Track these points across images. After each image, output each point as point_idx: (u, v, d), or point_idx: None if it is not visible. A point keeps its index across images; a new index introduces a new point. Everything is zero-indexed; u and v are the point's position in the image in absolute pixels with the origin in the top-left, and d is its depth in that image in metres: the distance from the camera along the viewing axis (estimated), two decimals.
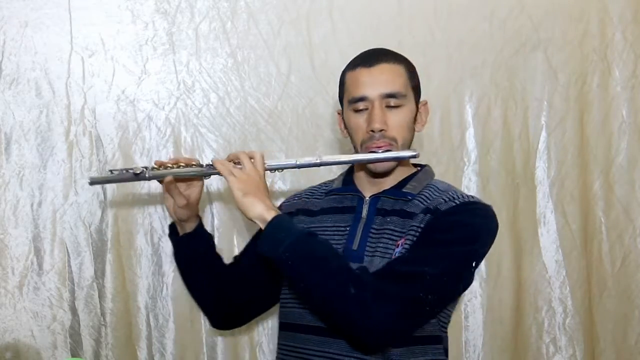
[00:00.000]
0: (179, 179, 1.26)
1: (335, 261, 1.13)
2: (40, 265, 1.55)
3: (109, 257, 1.57)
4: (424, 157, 1.58)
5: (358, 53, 1.32)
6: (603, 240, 1.70)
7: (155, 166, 1.27)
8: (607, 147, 1.71)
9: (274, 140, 1.65)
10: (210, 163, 1.25)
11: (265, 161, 1.23)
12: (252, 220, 1.16)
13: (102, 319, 1.56)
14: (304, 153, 1.64)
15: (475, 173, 1.69)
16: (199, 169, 1.26)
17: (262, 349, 1.63)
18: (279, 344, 1.30)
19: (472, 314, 1.68)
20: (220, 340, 1.61)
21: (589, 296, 1.70)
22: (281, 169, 1.27)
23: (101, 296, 1.56)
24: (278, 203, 1.60)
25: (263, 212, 1.14)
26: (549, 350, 1.68)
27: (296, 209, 1.36)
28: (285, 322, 1.28)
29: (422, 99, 1.32)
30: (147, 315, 1.58)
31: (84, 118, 1.58)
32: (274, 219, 1.14)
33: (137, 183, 1.58)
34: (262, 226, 1.14)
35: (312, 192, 1.39)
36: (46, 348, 1.53)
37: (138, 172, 1.25)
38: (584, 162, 1.71)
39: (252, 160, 1.22)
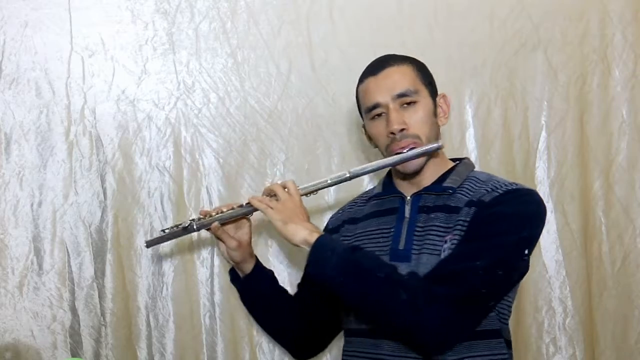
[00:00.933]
0: (225, 222, 1.32)
1: (383, 270, 1.14)
2: (40, 265, 1.55)
3: (109, 257, 1.57)
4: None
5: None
6: (603, 240, 1.70)
7: (201, 216, 1.33)
8: (607, 147, 1.71)
9: (274, 140, 1.65)
10: (248, 202, 1.30)
11: (299, 186, 1.27)
12: (298, 246, 1.20)
13: (102, 319, 1.56)
14: (304, 153, 1.65)
15: None
16: (240, 209, 1.31)
17: (262, 349, 1.63)
18: (343, 350, 1.32)
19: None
20: (220, 340, 1.61)
21: (589, 296, 1.70)
22: (316, 191, 1.30)
23: (101, 296, 1.56)
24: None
25: (306, 236, 1.18)
26: (549, 350, 1.68)
27: (342, 221, 1.40)
28: (345, 328, 1.32)
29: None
30: (147, 315, 1.58)
31: (84, 118, 1.58)
32: (316, 241, 1.16)
33: (136, 184, 1.59)
34: (308, 249, 1.17)
35: (354, 202, 1.43)
36: (46, 348, 1.53)
37: (187, 225, 1.33)
38: (584, 162, 1.71)
39: (286, 189, 1.26)
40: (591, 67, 1.72)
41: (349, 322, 1.30)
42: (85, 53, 1.59)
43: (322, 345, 1.47)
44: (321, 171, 1.63)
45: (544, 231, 1.67)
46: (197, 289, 1.60)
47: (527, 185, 1.33)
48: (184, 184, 1.61)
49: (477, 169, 1.67)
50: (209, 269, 1.61)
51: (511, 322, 1.65)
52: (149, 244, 1.39)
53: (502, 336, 1.22)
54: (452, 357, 1.16)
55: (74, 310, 1.55)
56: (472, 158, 1.69)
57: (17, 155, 1.56)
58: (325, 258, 1.14)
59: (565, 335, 1.68)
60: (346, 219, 1.39)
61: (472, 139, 1.70)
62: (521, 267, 1.20)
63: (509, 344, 1.25)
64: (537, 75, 1.71)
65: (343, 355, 1.31)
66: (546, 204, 1.68)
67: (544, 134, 1.71)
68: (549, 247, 1.70)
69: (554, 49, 1.71)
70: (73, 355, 1.54)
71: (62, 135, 1.57)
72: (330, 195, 1.65)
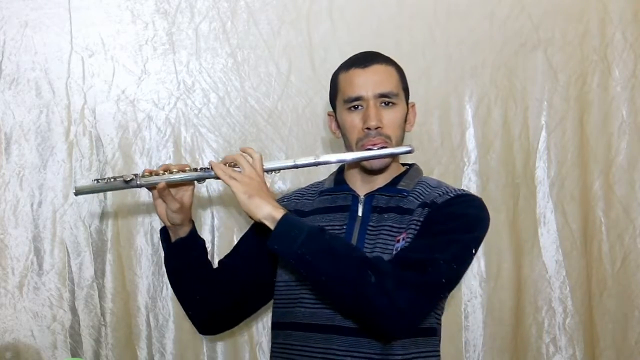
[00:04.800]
0: (171, 184, 1.24)
1: (352, 252, 1.16)
2: (40, 265, 1.55)
3: (109, 257, 1.57)
4: (424, 157, 1.58)
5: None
6: (603, 240, 1.70)
7: (146, 174, 1.25)
8: (607, 147, 1.71)
9: (274, 140, 1.65)
10: (206, 167, 1.25)
11: (263, 163, 1.23)
12: (260, 222, 1.16)
13: (102, 319, 1.56)
14: (304, 153, 1.65)
15: (475, 173, 1.69)
16: (193, 173, 1.24)
17: (262, 349, 1.63)
18: (273, 343, 1.31)
19: (472, 314, 1.68)
20: (220, 341, 1.61)
21: (589, 296, 1.70)
22: (279, 170, 1.28)
23: (101, 296, 1.56)
24: None
25: (272, 212, 1.15)
26: (549, 350, 1.68)
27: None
28: (283, 321, 1.28)
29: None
30: (147, 315, 1.58)
31: (84, 118, 1.59)
32: (283, 217, 1.15)
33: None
34: (272, 226, 1.15)
35: (301, 193, 1.40)
36: (46, 348, 1.53)
37: (128, 179, 1.23)
38: (584, 162, 1.71)
39: (251, 161, 1.22)
40: (591, 67, 1.72)
41: (294, 315, 1.25)
42: (85, 53, 1.59)
43: (230, 324, 1.43)
44: (320, 171, 1.63)
45: (544, 231, 1.70)
46: None
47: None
48: None
49: (477, 169, 1.69)
50: None
51: (511, 322, 1.68)
52: (79, 191, 1.27)
53: (437, 334, 1.27)
54: (400, 351, 1.18)
55: (74, 310, 1.55)
56: (472, 158, 1.69)
57: (17, 155, 1.56)
58: (293, 236, 1.13)
59: (565, 335, 1.68)
60: (292, 209, 1.32)
61: (472, 139, 1.70)
62: (468, 265, 1.24)
63: (440, 343, 1.29)
64: (537, 75, 1.71)
65: (277, 348, 1.28)
66: (546, 204, 1.70)
67: (544, 134, 1.71)
68: (549, 247, 1.70)
69: (554, 49, 1.71)
70: (73, 355, 1.54)
71: (62, 135, 1.57)
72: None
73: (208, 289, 1.33)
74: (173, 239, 1.31)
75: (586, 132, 1.72)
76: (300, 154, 1.64)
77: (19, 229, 1.54)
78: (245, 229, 1.61)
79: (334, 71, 1.33)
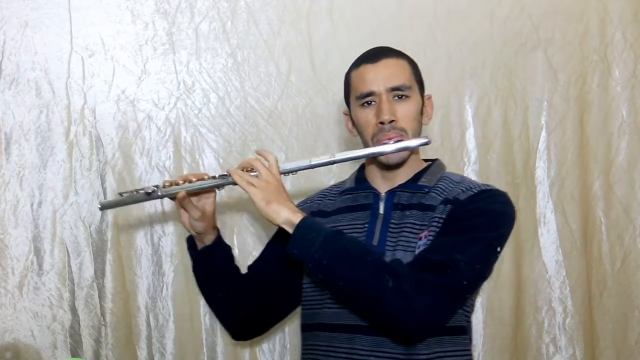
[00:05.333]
0: (191, 193, 1.25)
1: (369, 256, 1.14)
2: (40, 265, 1.55)
3: (109, 257, 1.57)
4: (424, 157, 1.58)
5: (358, 53, 1.33)
6: (603, 240, 1.70)
7: (167, 184, 1.26)
8: (607, 147, 1.71)
9: (274, 140, 1.65)
10: (224, 173, 1.25)
11: (279, 165, 1.23)
12: (280, 227, 1.17)
13: (102, 319, 1.56)
14: (304, 153, 1.65)
15: (475, 173, 1.69)
16: (212, 181, 1.24)
17: (262, 349, 1.63)
18: (303, 345, 1.31)
19: (472, 313, 1.68)
20: (220, 340, 1.61)
21: (589, 296, 1.70)
22: (295, 171, 1.26)
23: (101, 296, 1.56)
24: None
25: (290, 217, 1.15)
26: (549, 350, 1.68)
27: (310, 212, 1.35)
28: (310, 323, 1.29)
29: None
30: (147, 315, 1.58)
31: (84, 118, 1.58)
32: (301, 221, 1.14)
33: (136, 184, 1.58)
34: (290, 230, 1.15)
35: (323, 194, 1.40)
36: (46, 348, 1.53)
37: (150, 191, 1.24)
38: (584, 162, 1.71)
39: (267, 164, 1.22)
40: (591, 67, 1.72)
41: (320, 316, 1.26)
42: (85, 53, 1.59)
43: (262, 330, 1.43)
44: (321, 171, 1.63)
45: (544, 231, 1.70)
46: (197, 289, 1.59)
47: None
48: None
49: (477, 169, 1.69)
50: None
51: (511, 322, 1.68)
52: (104, 206, 1.31)
53: (467, 333, 1.25)
54: (425, 351, 1.17)
55: (74, 310, 1.55)
56: (472, 158, 1.70)
57: (17, 155, 1.56)
58: (310, 239, 1.12)
59: (565, 335, 1.69)
60: (315, 210, 1.35)
61: (472, 139, 1.70)
62: (493, 264, 1.21)
63: (471, 341, 1.27)
64: (537, 75, 1.71)
65: (306, 349, 1.29)
66: (546, 204, 1.70)
67: (544, 134, 1.71)
68: (549, 247, 1.70)
69: (554, 49, 1.71)
70: (73, 355, 1.54)
71: (62, 135, 1.57)
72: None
73: (234, 295, 1.34)
74: (199, 247, 1.33)
75: (586, 132, 1.72)
76: (300, 154, 1.65)
77: (19, 229, 1.54)
78: (245, 230, 1.63)
79: (333, 71, 1.34)
